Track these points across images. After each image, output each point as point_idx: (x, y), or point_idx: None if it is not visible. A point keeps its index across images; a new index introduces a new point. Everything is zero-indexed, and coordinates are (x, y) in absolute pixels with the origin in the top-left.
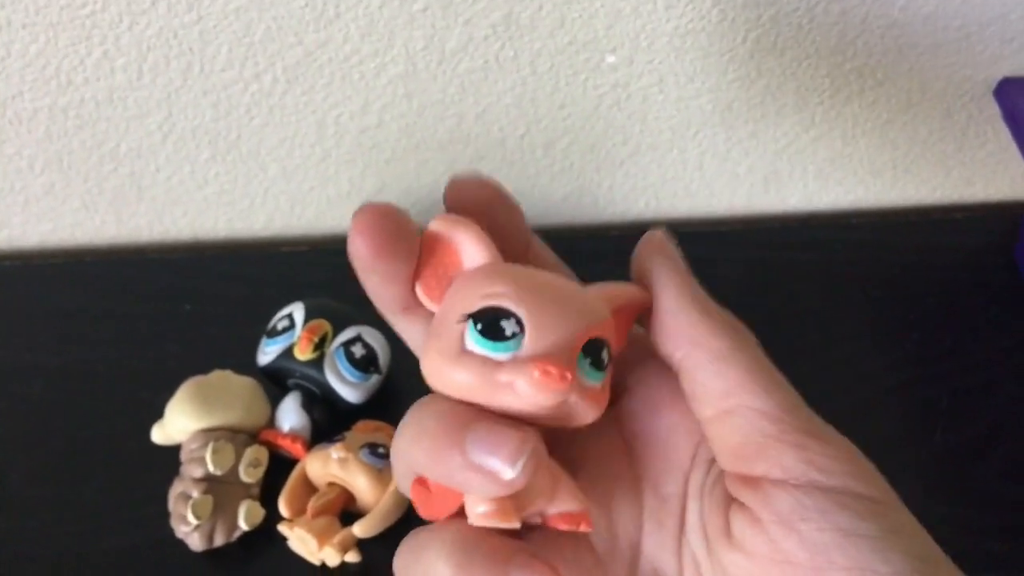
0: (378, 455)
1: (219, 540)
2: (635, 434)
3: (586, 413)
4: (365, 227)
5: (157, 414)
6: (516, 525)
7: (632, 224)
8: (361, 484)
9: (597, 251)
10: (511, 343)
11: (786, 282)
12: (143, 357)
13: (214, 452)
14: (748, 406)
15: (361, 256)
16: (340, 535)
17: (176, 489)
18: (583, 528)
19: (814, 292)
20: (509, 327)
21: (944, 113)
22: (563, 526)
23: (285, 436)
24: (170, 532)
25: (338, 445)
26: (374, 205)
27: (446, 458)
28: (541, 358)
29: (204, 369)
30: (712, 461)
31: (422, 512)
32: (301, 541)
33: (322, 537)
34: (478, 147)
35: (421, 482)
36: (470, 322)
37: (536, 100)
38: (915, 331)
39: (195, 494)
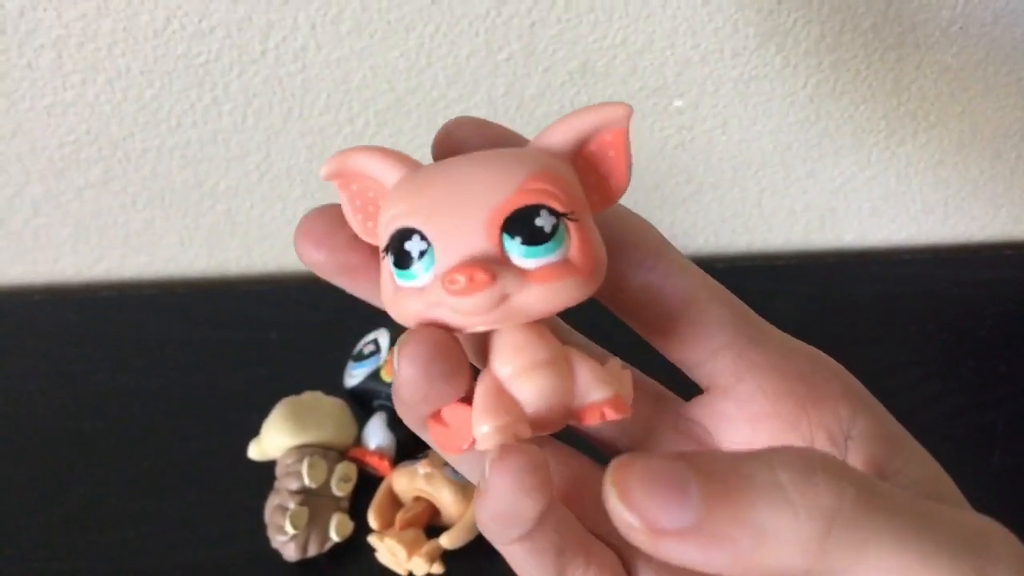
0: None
1: (312, 550)
2: (729, 444)
3: (552, 295)
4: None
5: (246, 434)
6: (523, 435)
7: (692, 259)
8: (446, 498)
9: None
10: (423, 262)
11: (842, 314)
12: (233, 380)
13: (310, 467)
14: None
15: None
16: (428, 546)
17: (273, 502)
18: (609, 416)
19: (869, 324)
20: (415, 247)
21: (994, 154)
22: (586, 421)
23: (372, 453)
24: (262, 544)
25: (424, 461)
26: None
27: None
28: (450, 268)
29: (291, 391)
30: None
31: (442, 448)
32: (391, 552)
33: (411, 548)
34: None
35: (436, 418)
36: (387, 257)
37: None
38: (970, 359)
39: (292, 505)
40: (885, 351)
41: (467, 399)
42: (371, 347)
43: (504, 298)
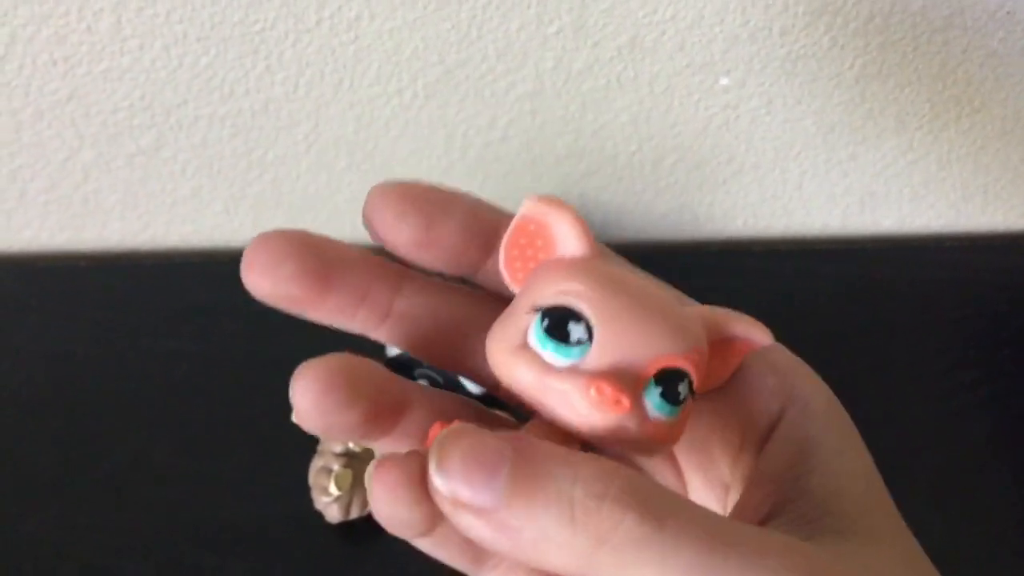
0: None
1: (355, 513)
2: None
3: (648, 446)
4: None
5: (288, 399)
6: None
7: (729, 241)
8: None
9: (694, 266)
10: (575, 349)
11: (878, 299)
12: (277, 347)
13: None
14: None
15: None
16: None
17: (317, 463)
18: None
19: (905, 309)
20: (576, 332)
21: None
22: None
23: None
24: (305, 505)
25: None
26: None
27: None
28: (601, 375)
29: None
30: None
31: None
32: None
33: None
34: (590, 162)
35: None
36: (537, 316)
37: (650, 119)
38: (1006, 347)
39: (336, 467)
40: (921, 338)
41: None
42: None
43: (622, 430)
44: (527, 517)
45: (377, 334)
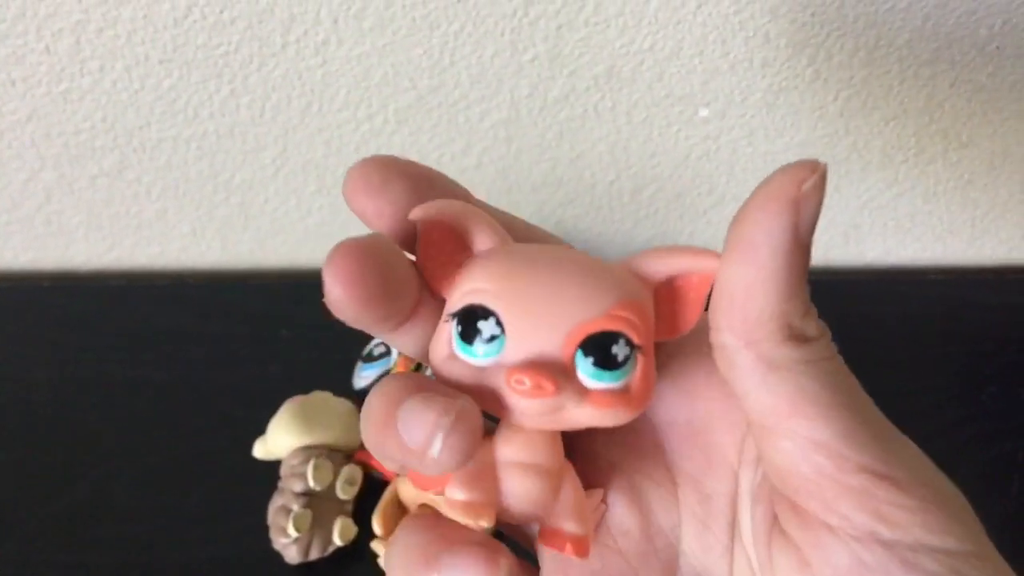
0: None
1: (315, 554)
2: (668, 422)
3: (602, 417)
4: (344, 274)
5: (254, 431)
6: (479, 525)
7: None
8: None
9: None
10: (491, 346)
11: (862, 334)
12: (241, 377)
13: (315, 468)
14: (800, 433)
15: (344, 309)
16: None
17: (276, 502)
18: (569, 553)
19: (889, 344)
20: (488, 329)
21: None
22: (547, 544)
23: None
24: (266, 544)
25: None
26: (353, 243)
27: (382, 438)
28: (519, 365)
29: (300, 390)
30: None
31: (417, 484)
32: None
33: None
34: (568, 191)
35: None
36: (452, 323)
37: (629, 148)
38: (992, 385)
39: (295, 507)
40: (905, 373)
41: None
42: (381, 348)
43: (557, 409)
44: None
45: (396, 335)
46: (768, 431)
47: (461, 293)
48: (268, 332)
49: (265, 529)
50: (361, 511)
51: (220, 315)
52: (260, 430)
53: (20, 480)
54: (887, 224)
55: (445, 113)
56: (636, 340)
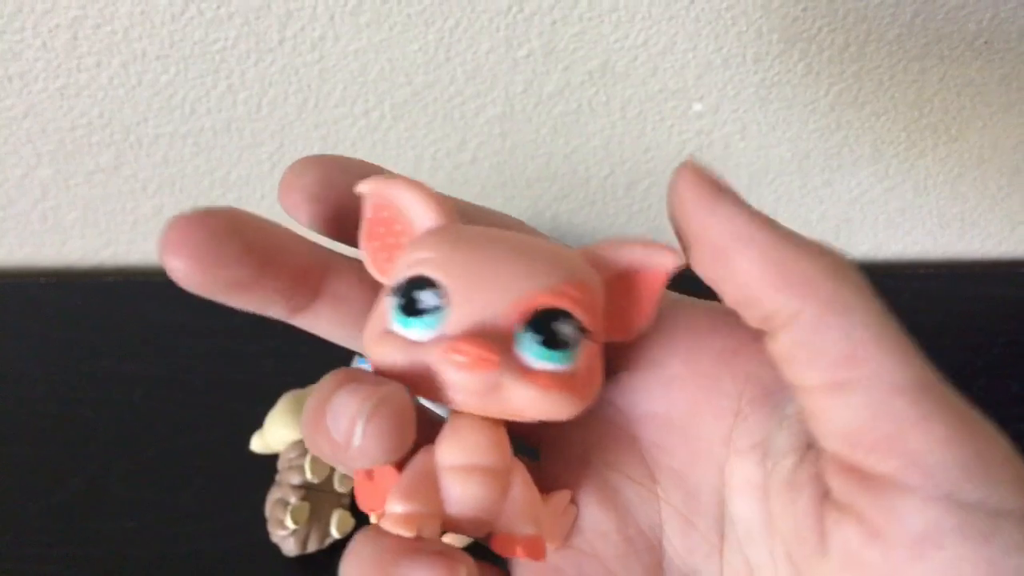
0: None
1: (312, 546)
2: (643, 416)
3: (543, 402)
4: (179, 244)
5: (250, 426)
6: (408, 534)
7: None
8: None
9: (668, 290)
10: (431, 318)
11: None
12: (238, 371)
13: (312, 461)
14: (880, 378)
15: (186, 276)
16: None
17: (274, 495)
18: (521, 556)
19: None
20: (428, 299)
21: (1013, 170)
22: (499, 551)
23: None
24: (262, 537)
25: None
26: (187, 217)
27: (314, 434)
28: (458, 336)
29: (297, 384)
30: (763, 445)
31: (359, 501)
32: None
33: None
34: (563, 185)
35: (367, 473)
36: (391, 297)
37: (623, 143)
38: (981, 377)
39: (293, 500)
40: None
41: (401, 464)
42: None
43: (496, 387)
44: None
45: (299, 317)
46: (842, 386)
47: (402, 266)
48: (264, 326)
49: (263, 522)
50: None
51: (216, 310)
52: (256, 424)
53: (17, 474)
54: (878, 218)
55: (441, 109)
56: (585, 324)
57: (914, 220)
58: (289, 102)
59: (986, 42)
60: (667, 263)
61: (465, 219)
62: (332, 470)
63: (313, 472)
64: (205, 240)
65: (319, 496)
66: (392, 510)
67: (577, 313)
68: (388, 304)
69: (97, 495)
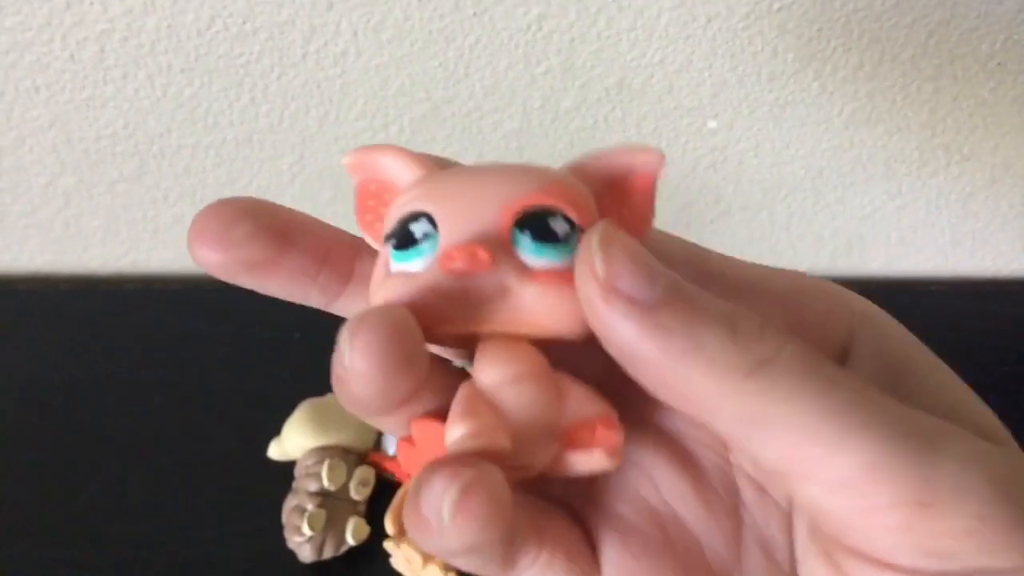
0: None
1: (328, 553)
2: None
3: (552, 303)
4: (198, 232)
5: (267, 433)
6: (479, 445)
7: None
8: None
9: None
10: (424, 245)
11: None
12: (256, 379)
13: (330, 469)
14: (819, 476)
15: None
16: None
17: (291, 502)
18: (600, 442)
19: None
20: (420, 229)
21: None
22: (574, 447)
23: (392, 459)
24: (278, 544)
25: None
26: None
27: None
28: (452, 245)
29: (314, 393)
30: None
31: (407, 468)
32: (407, 559)
33: (427, 556)
34: None
35: (406, 440)
36: (387, 244)
37: None
38: (992, 394)
39: (310, 507)
40: None
41: (438, 415)
42: None
43: (503, 291)
44: (685, 323)
45: (338, 303)
46: (786, 478)
47: (391, 217)
48: (282, 335)
49: (279, 528)
50: (374, 511)
51: (235, 319)
52: (274, 432)
53: (36, 479)
54: (890, 235)
55: (459, 123)
56: (576, 220)
57: (926, 238)
58: (310, 115)
59: (999, 64)
60: (653, 163)
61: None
62: (348, 478)
63: (330, 479)
64: (219, 224)
65: (335, 503)
66: (454, 435)
67: (566, 210)
68: (384, 251)
69: (115, 500)
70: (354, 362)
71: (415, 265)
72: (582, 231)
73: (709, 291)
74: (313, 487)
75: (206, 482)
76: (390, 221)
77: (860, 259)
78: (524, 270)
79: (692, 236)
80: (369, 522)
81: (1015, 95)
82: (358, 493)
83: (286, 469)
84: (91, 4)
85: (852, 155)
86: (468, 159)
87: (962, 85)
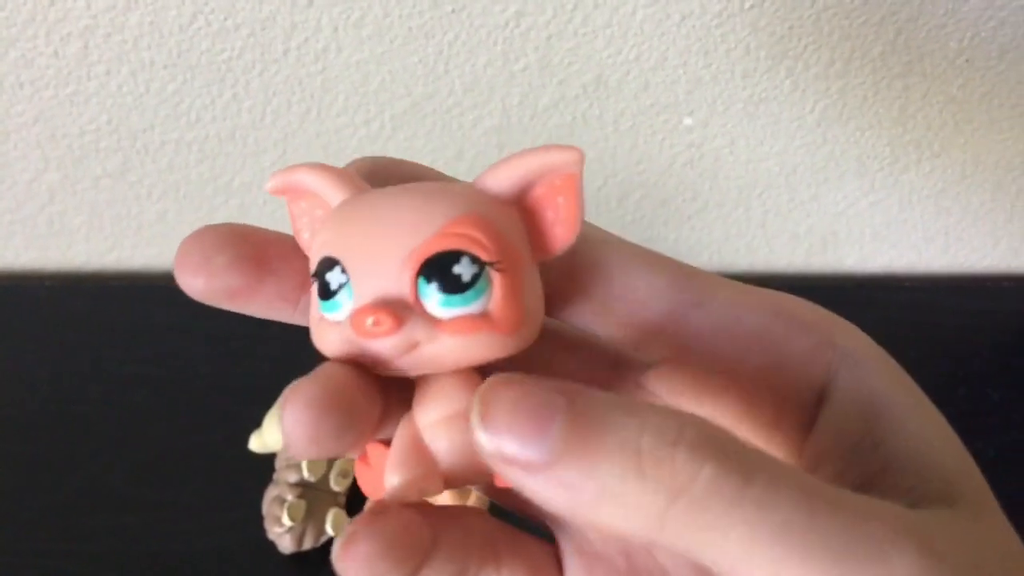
0: None
1: (308, 543)
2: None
3: (467, 347)
4: (181, 262)
5: (249, 425)
6: (413, 499)
7: None
8: (443, 500)
9: None
10: (340, 298)
11: None
12: (237, 372)
13: (310, 460)
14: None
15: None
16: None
17: (271, 493)
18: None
19: None
20: (335, 279)
21: (995, 186)
22: (502, 482)
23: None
24: (259, 535)
25: None
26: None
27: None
28: (359, 307)
29: None
30: None
31: (364, 490)
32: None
33: None
34: None
35: (362, 459)
36: (313, 282)
37: (615, 156)
38: (963, 387)
39: (290, 498)
40: None
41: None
42: None
43: (413, 345)
44: (586, 471)
45: None
46: None
47: (314, 250)
48: (263, 328)
49: (260, 520)
50: (354, 502)
51: (216, 314)
52: (255, 424)
53: (20, 472)
54: (864, 231)
55: (439, 119)
56: (484, 257)
57: (899, 234)
58: (292, 111)
59: (967, 60)
60: (572, 161)
61: (382, 178)
62: (328, 469)
63: (310, 471)
64: (201, 253)
65: (315, 494)
66: (390, 483)
67: (472, 248)
68: (313, 289)
69: (98, 493)
70: (291, 436)
71: (339, 315)
72: (492, 265)
73: (689, 326)
74: (293, 478)
75: (188, 474)
76: (313, 257)
77: (835, 255)
78: (433, 321)
79: (670, 233)
80: (349, 513)
81: (984, 91)
82: (338, 484)
83: (267, 461)
84: (74, 0)
85: (825, 152)
86: (449, 155)
87: (931, 82)
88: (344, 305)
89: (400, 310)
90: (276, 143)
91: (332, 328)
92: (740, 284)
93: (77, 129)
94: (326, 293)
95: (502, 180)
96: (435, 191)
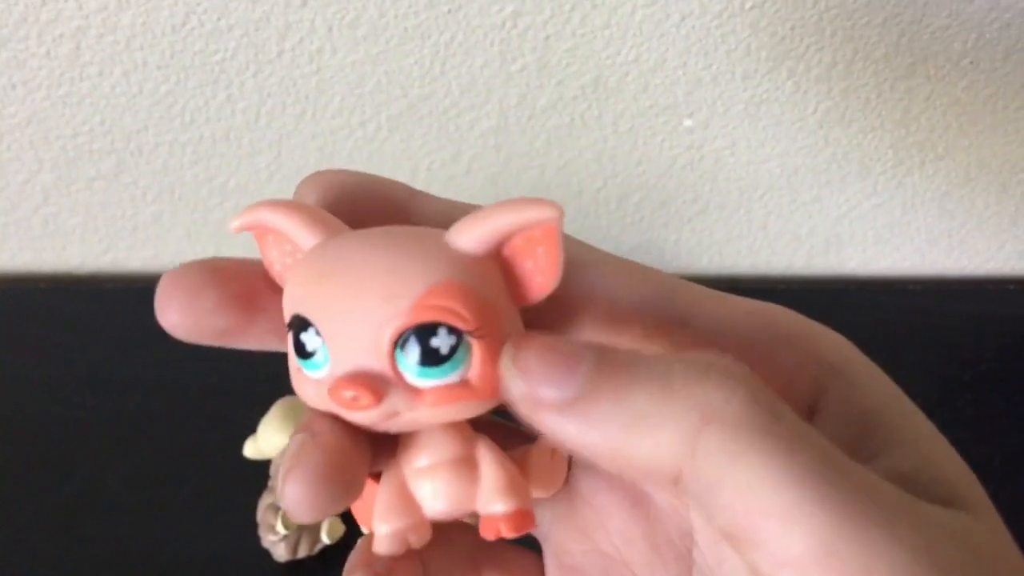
0: None
1: (302, 552)
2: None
3: (448, 415)
4: (163, 303)
5: (244, 431)
6: (398, 551)
7: (694, 278)
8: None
9: None
10: (318, 359)
11: None
12: (232, 377)
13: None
14: (764, 550)
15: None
16: None
17: (266, 500)
18: (506, 534)
19: (868, 352)
20: (311, 342)
21: (1000, 189)
22: (485, 535)
23: None
24: (254, 542)
25: None
26: (169, 274)
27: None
28: (337, 379)
29: (290, 391)
30: None
31: (357, 518)
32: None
33: None
34: (556, 197)
35: None
36: (289, 334)
37: (615, 157)
38: (968, 392)
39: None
40: None
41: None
42: None
43: (394, 415)
44: (617, 400)
45: None
46: (736, 543)
47: (286, 297)
48: None
49: (254, 527)
50: (348, 511)
51: None
52: (250, 430)
53: (14, 476)
54: (867, 234)
55: (436, 121)
56: (462, 326)
57: (902, 236)
58: (287, 112)
59: (971, 62)
60: (550, 218)
61: (349, 201)
62: None
63: None
64: (184, 295)
65: None
66: (378, 531)
67: (449, 320)
68: (289, 339)
69: (92, 498)
70: (293, 509)
71: (318, 374)
72: (471, 333)
73: (674, 344)
74: None
75: (182, 480)
76: (287, 305)
77: (837, 258)
78: (413, 392)
79: (670, 235)
80: (344, 521)
81: (988, 93)
82: None
83: (262, 467)
84: (66, 0)
85: (827, 154)
86: (446, 157)
87: (935, 84)
88: (322, 366)
89: (379, 384)
90: (271, 144)
91: (311, 384)
92: (725, 296)
93: (70, 130)
94: (302, 353)
95: (478, 238)
96: (411, 250)
